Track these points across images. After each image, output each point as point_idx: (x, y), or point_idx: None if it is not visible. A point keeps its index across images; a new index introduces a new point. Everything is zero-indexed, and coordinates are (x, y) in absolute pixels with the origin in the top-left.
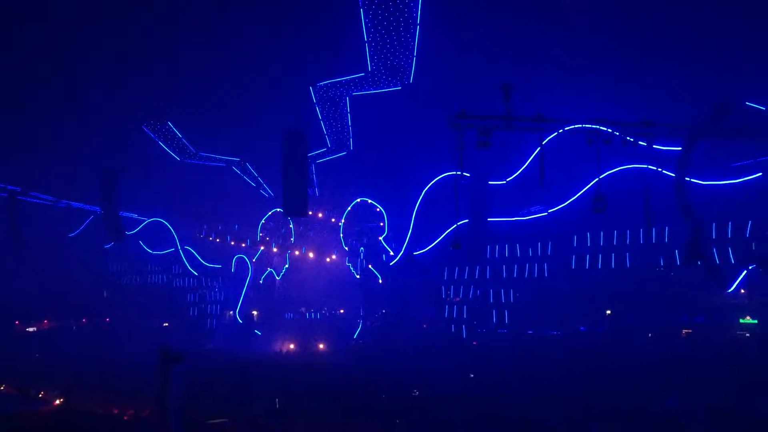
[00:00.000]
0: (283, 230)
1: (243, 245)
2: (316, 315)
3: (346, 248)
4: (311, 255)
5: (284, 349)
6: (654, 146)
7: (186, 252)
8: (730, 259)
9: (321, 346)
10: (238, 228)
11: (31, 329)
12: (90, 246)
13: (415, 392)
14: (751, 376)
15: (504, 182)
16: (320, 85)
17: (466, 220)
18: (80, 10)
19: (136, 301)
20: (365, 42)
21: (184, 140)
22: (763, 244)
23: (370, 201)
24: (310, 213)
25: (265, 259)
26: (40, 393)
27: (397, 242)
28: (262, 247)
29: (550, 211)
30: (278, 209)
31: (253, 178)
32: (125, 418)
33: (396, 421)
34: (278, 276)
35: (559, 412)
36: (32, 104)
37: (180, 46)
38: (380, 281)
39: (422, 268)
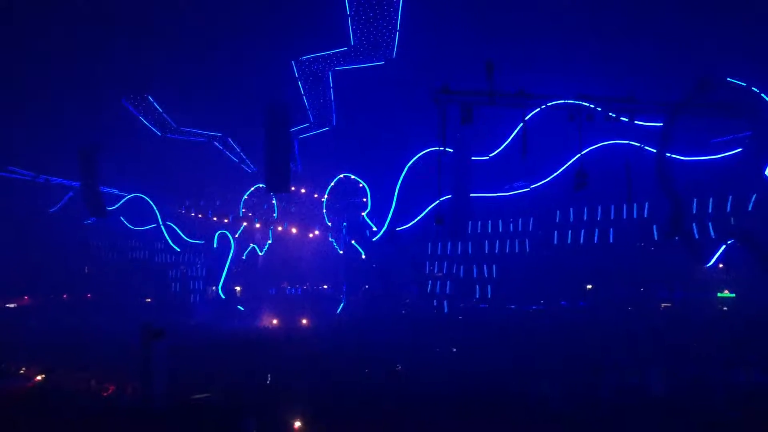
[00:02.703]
0: (265, 206)
1: (225, 221)
2: (298, 290)
3: (329, 224)
4: (294, 230)
5: (267, 325)
6: (636, 122)
7: (168, 228)
8: (710, 233)
9: (304, 321)
10: (221, 203)
11: (11, 305)
12: (70, 222)
13: (397, 367)
14: (727, 348)
15: (487, 158)
16: (302, 60)
17: (449, 196)
18: None
19: (117, 277)
20: (348, 16)
21: (164, 115)
22: (742, 220)
23: (353, 176)
24: (293, 188)
25: (248, 235)
26: (21, 369)
27: (379, 218)
28: (244, 223)
29: (532, 186)
30: (261, 185)
31: (236, 154)
32: (107, 394)
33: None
34: (261, 251)
35: (540, 385)
36: (9, 79)
37: (161, 19)
38: (363, 257)
39: (405, 244)
